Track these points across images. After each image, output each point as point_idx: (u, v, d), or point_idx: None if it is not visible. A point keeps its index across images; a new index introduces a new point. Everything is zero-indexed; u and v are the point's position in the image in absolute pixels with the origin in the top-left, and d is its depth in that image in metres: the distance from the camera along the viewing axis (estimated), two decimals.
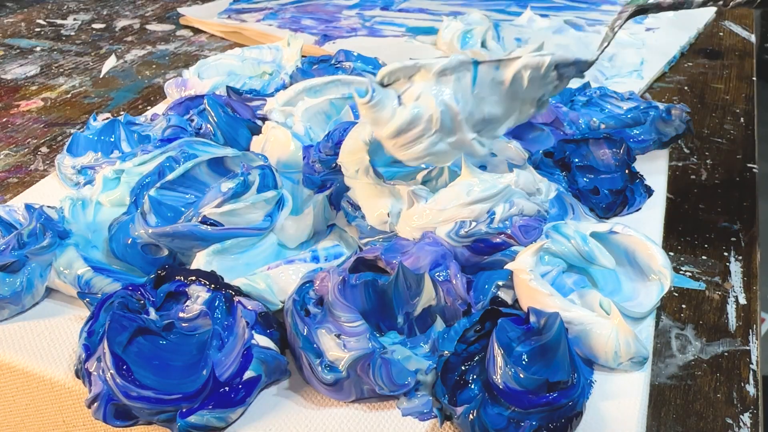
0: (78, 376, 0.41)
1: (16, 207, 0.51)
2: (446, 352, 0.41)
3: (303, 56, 0.77)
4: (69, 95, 0.82)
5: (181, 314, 0.43)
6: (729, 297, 0.51)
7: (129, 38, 0.99)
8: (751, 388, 0.44)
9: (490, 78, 0.48)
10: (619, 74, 0.81)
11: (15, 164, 0.68)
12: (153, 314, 0.43)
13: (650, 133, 0.63)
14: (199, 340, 0.42)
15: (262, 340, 0.41)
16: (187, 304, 0.44)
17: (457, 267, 0.44)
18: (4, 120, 0.76)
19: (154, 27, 1.03)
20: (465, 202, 0.46)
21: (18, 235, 0.47)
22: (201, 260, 0.47)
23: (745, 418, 0.42)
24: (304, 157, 0.53)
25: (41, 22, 1.06)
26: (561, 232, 0.47)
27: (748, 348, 0.47)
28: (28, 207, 0.50)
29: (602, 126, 0.63)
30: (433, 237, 0.46)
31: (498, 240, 0.46)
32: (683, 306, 0.51)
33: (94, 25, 1.04)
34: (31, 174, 0.66)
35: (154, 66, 0.90)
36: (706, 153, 0.69)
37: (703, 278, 0.53)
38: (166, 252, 0.48)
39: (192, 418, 0.38)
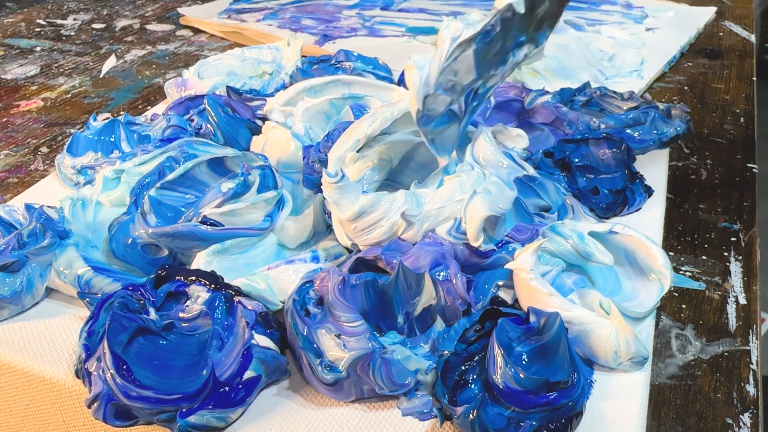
0: (78, 376, 0.41)
1: (16, 207, 0.51)
2: (446, 351, 0.41)
3: (303, 56, 0.77)
4: (69, 95, 0.82)
5: (181, 314, 0.43)
6: (729, 297, 0.51)
7: (129, 38, 0.99)
8: (751, 388, 0.44)
9: None
10: (619, 74, 0.81)
11: (15, 164, 0.68)
12: (153, 314, 0.43)
13: (650, 133, 0.63)
14: (199, 340, 0.42)
15: (262, 340, 0.41)
16: (187, 304, 0.44)
17: (457, 266, 0.44)
18: (4, 120, 0.76)
19: (154, 27, 1.03)
20: (461, 198, 0.46)
21: (18, 235, 0.47)
22: (201, 260, 0.47)
23: (745, 418, 0.42)
24: (304, 157, 0.53)
25: (41, 22, 1.06)
26: (558, 232, 0.47)
27: (748, 348, 0.47)
28: (28, 207, 0.50)
29: (602, 126, 0.63)
30: (433, 236, 0.47)
31: None
32: (683, 306, 0.51)
33: (94, 25, 1.04)
34: (31, 174, 0.66)
35: (154, 66, 0.90)
36: (706, 153, 0.69)
37: (703, 278, 0.53)
38: (166, 252, 0.48)
39: (192, 418, 0.38)
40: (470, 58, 0.50)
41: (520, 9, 0.51)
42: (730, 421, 0.42)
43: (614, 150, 0.59)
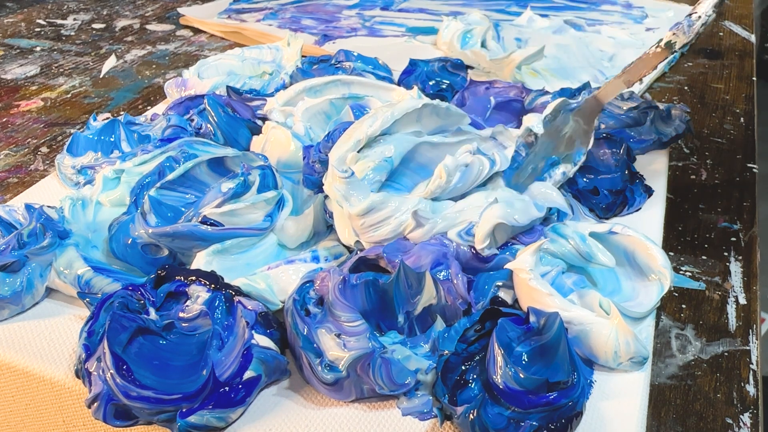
0: (78, 376, 0.41)
1: (16, 207, 0.51)
2: (446, 351, 0.41)
3: (303, 56, 0.77)
4: (69, 95, 0.82)
5: (181, 314, 0.43)
6: (729, 297, 0.51)
7: (129, 38, 0.99)
8: (751, 388, 0.44)
9: None
10: None
11: (15, 164, 0.68)
12: (153, 314, 0.43)
13: (650, 133, 0.63)
14: (199, 340, 0.42)
15: (262, 340, 0.41)
16: (187, 304, 0.44)
17: (458, 266, 0.44)
18: (4, 120, 0.76)
19: (154, 27, 1.03)
20: (481, 205, 0.47)
21: (18, 235, 0.47)
22: (201, 260, 0.47)
23: (745, 418, 0.42)
24: (304, 157, 0.53)
25: (41, 22, 1.06)
26: (559, 233, 0.47)
27: (748, 348, 0.47)
28: (28, 207, 0.50)
29: (602, 126, 0.63)
30: (437, 236, 0.47)
31: None
32: (683, 306, 0.51)
33: (94, 25, 1.04)
34: (31, 174, 0.66)
35: (154, 66, 0.90)
36: (706, 153, 0.69)
37: (703, 278, 0.53)
38: (166, 252, 0.48)
39: (192, 418, 0.38)
40: (501, 183, 0.52)
41: (539, 130, 0.53)
42: (730, 421, 0.42)
43: (614, 150, 0.59)
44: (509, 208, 0.47)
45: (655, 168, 0.61)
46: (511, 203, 0.48)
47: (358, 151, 0.49)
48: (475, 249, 0.46)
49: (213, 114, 0.60)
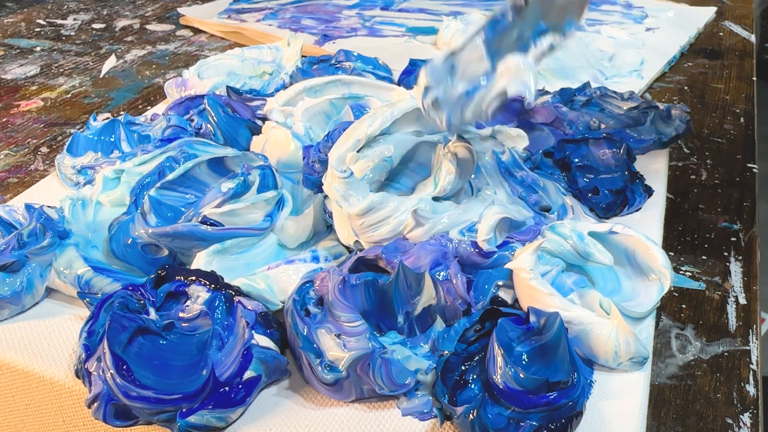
0: (78, 376, 0.41)
1: (16, 207, 0.51)
2: (446, 351, 0.41)
3: (303, 56, 0.77)
4: (69, 95, 0.82)
5: (181, 314, 0.43)
6: (729, 297, 0.51)
7: (129, 38, 0.99)
8: (751, 388, 0.44)
9: None
10: (619, 74, 0.81)
11: (15, 164, 0.68)
12: (153, 314, 0.43)
13: (650, 133, 0.63)
14: (199, 340, 0.42)
15: (262, 340, 0.41)
16: (187, 304, 0.44)
17: (457, 266, 0.44)
18: (4, 120, 0.76)
19: (154, 27, 1.03)
20: (480, 208, 0.48)
21: (18, 235, 0.47)
22: (201, 260, 0.47)
23: (745, 418, 0.42)
24: (304, 157, 0.53)
25: (41, 22, 1.06)
26: (557, 232, 0.47)
27: (748, 348, 0.47)
28: (28, 207, 0.50)
29: (602, 126, 0.63)
30: (437, 237, 0.47)
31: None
32: (683, 306, 0.51)
33: (94, 25, 1.04)
34: (31, 174, 0.66)
35: (154, 66, 0.90)
36: (706, 153, 0.69)
37: (703, 278, 0.53)
38: (166, 252, 0.48)
39: (192, 418, 0.38)
40: (480, 48, 0.50)
41: None
42: (730, 421, 0.42)
43: (614, 150, 0.59)
44: (505, 208, 0.48)
45: (655, 168, 0.61)
46: (505, 205, 0.49)
47: (358, 151, 0.49)
48: (476, 244, 0.46)
49: (213, 114, 0.60)
